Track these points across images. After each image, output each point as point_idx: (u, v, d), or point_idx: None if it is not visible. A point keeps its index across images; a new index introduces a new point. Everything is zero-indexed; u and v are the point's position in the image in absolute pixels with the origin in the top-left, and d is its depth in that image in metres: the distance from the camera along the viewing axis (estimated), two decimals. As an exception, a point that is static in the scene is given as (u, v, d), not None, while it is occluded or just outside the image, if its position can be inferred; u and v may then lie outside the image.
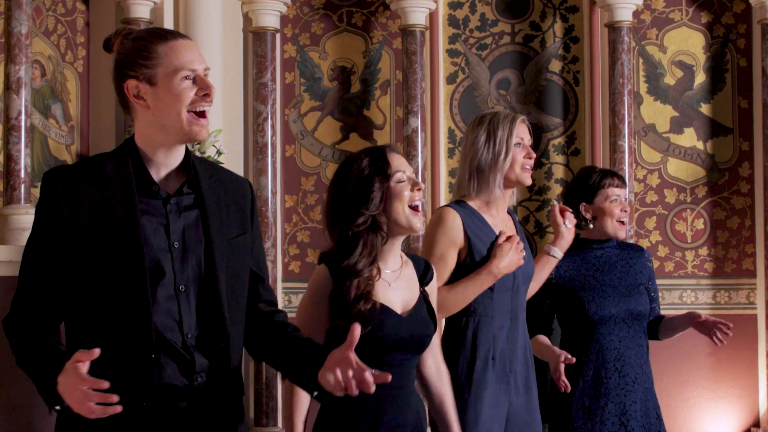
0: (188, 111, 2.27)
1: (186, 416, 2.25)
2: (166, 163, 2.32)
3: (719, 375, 5.41)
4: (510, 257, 3.19)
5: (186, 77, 2.27)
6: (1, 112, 4.73)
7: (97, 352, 2.07)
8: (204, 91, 2.28)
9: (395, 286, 2.73)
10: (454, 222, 3.22)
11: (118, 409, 2.08)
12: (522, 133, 3.29)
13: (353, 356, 2.19)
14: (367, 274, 2.67)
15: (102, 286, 2.21)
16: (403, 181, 2.73)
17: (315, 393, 2.30)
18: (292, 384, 2.66)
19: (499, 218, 3.32)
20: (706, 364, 5.42)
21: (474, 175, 3.27)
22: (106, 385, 2.07)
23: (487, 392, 3.20)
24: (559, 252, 3.51)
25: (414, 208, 2.73)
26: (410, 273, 2.82)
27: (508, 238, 3.21)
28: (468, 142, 3.31)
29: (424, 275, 2.86)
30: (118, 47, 2.33)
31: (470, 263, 3.21)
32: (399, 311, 2.72)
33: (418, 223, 2.73)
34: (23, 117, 4.65)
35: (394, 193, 2.71)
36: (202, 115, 2.28)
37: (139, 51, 2.28)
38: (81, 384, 2.08)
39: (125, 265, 2.21)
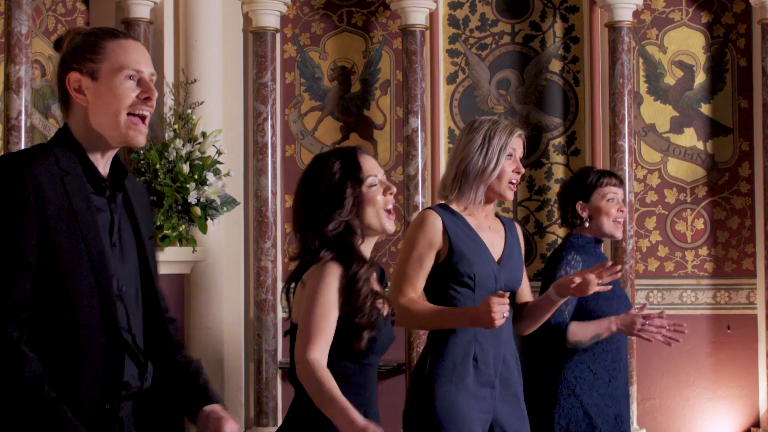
0: (128, 114, 2.20)
1: (137, 419, 2.19)
2: (105, 159, 2.25)
3: (719, 375, 5.41)
4: (495, 312, 2.94)
5: (130, 77, 2.21)
6: (1, 112, 4.74)
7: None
8: (146, 94, 2.21)
9: None
10: (435, 224, 3.19)
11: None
12: (516, 145, 3.26)
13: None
14: (366, 276, 2.59)
15: (67, 282, 2.10)
16: (375, 185, 2.65)
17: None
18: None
19: (481, 219, 3.28)
20: (706, 364, 5.42)
21: (459, 177, 3.26)
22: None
23: (465, 394, 3.10)
24: (559, 297, 3.37)
25: (387, 211, 2.67)
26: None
27: (502, 296, 2.99)
28: (461, 144, 3.28)
29: (382, 279, 2.78)
30: (67, 44, 2.27)
31: (449, 264, 3.16)
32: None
33: (392, 226, 2.67)
34: (23, 117, 4.65)
35: (367, 198, 2.63)
36: (142, 119, 2.21)
37: (86, 45, 2.23)
38: None
39: (89, 261, 2.12)
